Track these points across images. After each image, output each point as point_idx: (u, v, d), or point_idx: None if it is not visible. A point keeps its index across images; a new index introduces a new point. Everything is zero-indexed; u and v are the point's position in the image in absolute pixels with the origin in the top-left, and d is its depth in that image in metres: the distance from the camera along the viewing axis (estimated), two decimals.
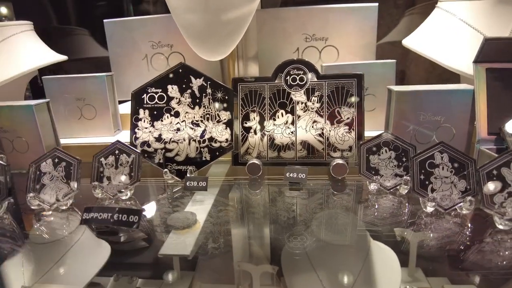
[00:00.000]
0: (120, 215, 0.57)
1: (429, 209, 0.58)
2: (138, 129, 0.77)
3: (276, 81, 0.77)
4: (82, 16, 1.63)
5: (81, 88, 0.93)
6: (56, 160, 0.69)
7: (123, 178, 0.69)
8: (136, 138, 0.77)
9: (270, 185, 0.78)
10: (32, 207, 0.67)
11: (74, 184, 0.67)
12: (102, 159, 0.71)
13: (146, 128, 0.77)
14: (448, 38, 0.87)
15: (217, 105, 0.76)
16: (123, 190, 0.68)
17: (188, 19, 0.87)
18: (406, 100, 0.74)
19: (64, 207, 0.67)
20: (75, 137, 0.96)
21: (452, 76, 0.95)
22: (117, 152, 0.71)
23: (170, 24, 1.13)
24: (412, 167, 0.61)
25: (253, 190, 0.77)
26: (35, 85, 1.33)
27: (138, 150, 0.74)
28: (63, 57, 1.16)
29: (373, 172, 0.68)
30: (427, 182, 0.59)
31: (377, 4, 1.04)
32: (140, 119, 0.77)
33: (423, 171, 0.60)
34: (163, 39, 1.21)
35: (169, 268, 0.52)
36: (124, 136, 0.95)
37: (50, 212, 0.67)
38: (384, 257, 0.51)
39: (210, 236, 0.58)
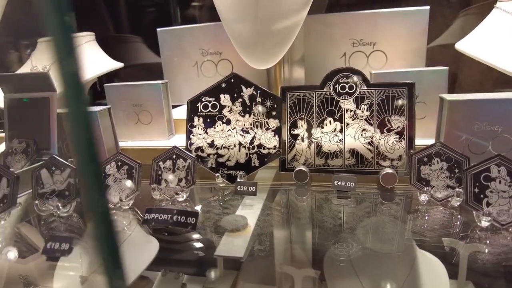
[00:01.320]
0: (179, 217, 0.62)
1: (484, 223, 0.57)
2: (192, 135, 0.82)
3: (324, 89, 0.78)
4: (134, 24, 1.73)
5: (138, 95, 1.00)
6: (119, 163, 0.75)
7: (171, 177, 0.73)
8: (191, 144, 0.82)
9: (316, 192, 0.79)
10: None
11: (131, 185, 0.73)
12: (161, 163, 0.76)
13: (200, 134, 0.81)
14: (508, 41, 0.83)
15: (260, 108, 0.78)
16: (179, 193, 0.73)
17: (238, 29, 0.90)
18: (459, 109, 0.73)
19: (126, 207, 0.73)
20: (133, 140, 1.03)
21: (509, 79, 0.91)
22: (174, 157, 0.76)
23: (219, 32, 1.17)
24: (465, 179, 0.60)
25: (300, 196, 0.79)
26: (94, 91, 1.43)
27: (193, 155, 0.78)
28: (120, 64, 1.25)
29: (423, 183, 0.67)
30: (481, 196, 0.58)
31: (428, 7, 1.02)
32: (195, 126, 0.82)
33: (477, 184, 0.59)
34: (212, 46, 1.26)
35: (213, 266, 0.55)
36: (177, 140, 1.01)
37: (114, 211, 0.73)
38: (431, 269, 0.51)
39: (260, 239, 0.61)
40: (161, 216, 0.62)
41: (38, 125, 0.92)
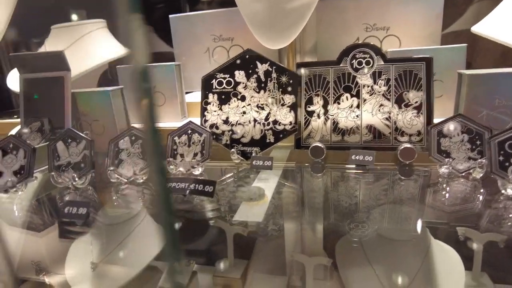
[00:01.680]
0: (197, 185, 0.61)
1: (510, 191, 0.56)
2: (207, 112, 0.81)
3: (341, 65, 0.77)
4: (145, 11, 1.72)
5: (151, 76, 0.99)
6: (133, 137, 0.75)
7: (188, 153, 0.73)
8: (206, 121, 0.81)
9: (332, 169, 0.78)
10: (112, 180, 0.73)
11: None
12: (176, 137, 0.75)
13: (215, 111, 0.81)
14: None
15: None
16: (195, 166, 0.72)
17: (253, 8, 0.90)
18: (479, 83, 0.71)
19: (140, 180, 0.72)
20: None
21: None
22: (189, 131, 0.75)
23: (231, 18, 1.17)
24: (489, 148, 0.58)
25: (316, 173, 0.77)
26: (105, 77, 1.43)
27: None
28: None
29: (444, 155, 0.66)
30: (507, 164, 0.57)
31: None
32: (209, 103, 0.81)
33: (502, 152, 0.58)
34: (224, 32, 1.25)
35: (223, 255, 0.51)
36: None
37: (126, 186, 0.73)
38: (455, 243, 0.49)
39: (275, 212, 0.59)
40: (178, 185, 0.62)
41: (53, 104, 0.92)
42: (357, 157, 0.71)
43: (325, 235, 0.55)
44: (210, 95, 0.82)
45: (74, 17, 1.48)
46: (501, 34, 0.86)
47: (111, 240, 0.56)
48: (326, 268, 0.46)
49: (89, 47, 1.20)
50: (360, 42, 0.76)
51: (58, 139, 0.72)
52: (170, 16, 1.26)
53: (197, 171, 0.72)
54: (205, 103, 0.82)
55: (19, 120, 0.95)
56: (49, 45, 1.23)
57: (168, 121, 1.02)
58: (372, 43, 0.76)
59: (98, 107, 0.91)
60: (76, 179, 0.69)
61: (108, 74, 1.41)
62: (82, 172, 0.71)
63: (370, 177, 0.73)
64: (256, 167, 0.72)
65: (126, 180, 0.72)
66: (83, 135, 0.72)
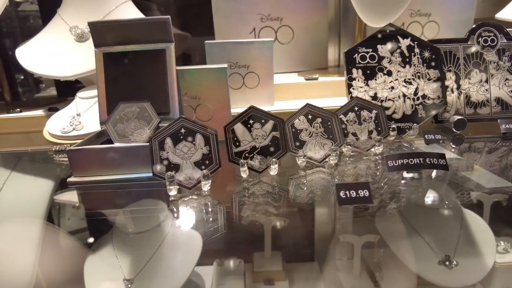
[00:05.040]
0: (431, 159, 0.58)
1: None
2: (353, 88, 0.77)
3: (469, 43, 0.82)
4: None
5: (246, 54, 0.88)
6: (309, 116, 0.66)
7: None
8: (352, 98, 0.76)
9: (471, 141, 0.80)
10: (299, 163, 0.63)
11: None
12: (342, 116, 0.69)
13: (361, 87, 0.77)
14: None
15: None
16: (376, 144, 0.68)
17: None
18: None
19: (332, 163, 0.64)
20: (234, 107, 0.91)
21: None
22: (356, 108, 0.70)
23: None
24: None
25: (457, 145, 0.80)
26: None
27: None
28: None
29: None
30: None
31: None
32: (354, 79, 0.77)
33: None
34: (273, 11, 1.19)
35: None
36: (280, 106, 0.92)
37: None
38: None
39: None
40: (411, 161, 0.58)
41: (149, 84, 0.74)
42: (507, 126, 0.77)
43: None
44: (354, 70, 0.77)
45: None
46: None
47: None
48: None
49: None
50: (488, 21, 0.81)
51: (235, 122, 0.59)
52: None
53: (378, 150, 0.68)
54: (349, 78, 0.77)
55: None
56: (68, 19, 0.98)
57: (260, 105, 0.92)
58: (497, 23, 0.82)
59: (209, 87, 0.77)
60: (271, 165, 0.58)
61: None
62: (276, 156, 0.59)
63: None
64: (429, 141, 0.72)
65: (318, 163, 0.63)
66: (270, 114, 0.60)
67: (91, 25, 0.71)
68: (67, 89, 1.36)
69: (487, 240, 0.46)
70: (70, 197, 0.62)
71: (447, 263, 0.41)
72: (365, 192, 0.48)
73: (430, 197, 0.57)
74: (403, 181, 0.61)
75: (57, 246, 0.50)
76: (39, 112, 1.02)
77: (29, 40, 0.99)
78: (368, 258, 0.43)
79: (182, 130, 0.55)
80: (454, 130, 0.79)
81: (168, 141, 0.54)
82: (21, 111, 1.03)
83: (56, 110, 1.00)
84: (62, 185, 0.69)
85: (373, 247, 0.45)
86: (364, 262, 0.43)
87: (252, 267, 0.43)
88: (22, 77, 1.64)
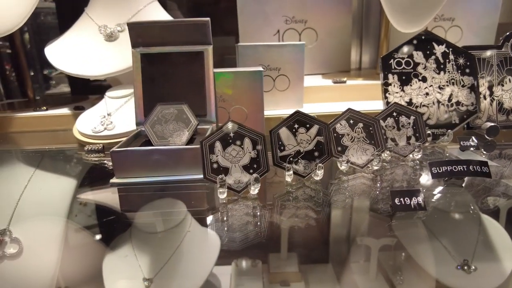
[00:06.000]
0: (474, 166, 0.58)
1: None
2: (389, 93, 0.77)
3: (503, 50, 0.82)
4: None
5: (277, 57, 0.88)
6: (351, 121, 0.66)
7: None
8: (388, 103, 0.77)
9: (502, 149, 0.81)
10: (341, 168, 0.63)
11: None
12: (381, 121, 0.70)
13: (397, 92, 0.77)
14: None
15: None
16: (415, 150, 0.68)
17: None
18: None
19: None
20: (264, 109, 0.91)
21: None
22: (395, 114, 0.70)
23: None
24: None
25: (488, 152, 0.80)
26: None
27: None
28: None
29: None
30: None
31: None
32: (390, 84, 0.77)
33: None
34: (298, 14, 1.19)
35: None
36: (308, 109, 0.92)
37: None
38: None
39: None
40: (455, 168, 0.58)
41: (186, 86, 0.74)
42: None
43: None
44: (390, 76, 0.77)
45: None
46: None
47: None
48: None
49: None
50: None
51: (281, 126, 0.59)
52: None
53: (417, 156, 0.68)
54: (385, 84, 0.77)
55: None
56: (97, 17, 0.98)
57: (289, 108, 0.92)
58: None
59: (243, 90, 0.77)
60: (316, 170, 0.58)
61: None
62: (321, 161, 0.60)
63: None
64: (464, 147, 0.72)
65: (360, 168, 0.63)
66: (315, 118, 0.60)
67: (130, 25, 0.71)
68: (81, 87, 1.36)
69: (505, 245, 0.47)
70: (112, 198, 0.62)
71: (465, 267, 0.41)
72: (418, 199, 0.48)
73: (451, 203, 0.57)
74: (440, 187, 0.61)
75: (79, 245, 0.50)
76: (65, 111, 1.02)
77: (57, 38, 0.99)
78: (385, 261, 0.43)
79: (232, 134, 0.55)
80: (487, 136, 0.79)
81: (218, 145, 0.55)
82: (47, 109, 1.03)
83: (82, 108, 1.00)
84: (96, 185, 0.69)
85: (390, 250, 0.45)
86: (380, 265, 0.43)
87: (268, 268, 0.42)
88: (32, 74, 1.64)
